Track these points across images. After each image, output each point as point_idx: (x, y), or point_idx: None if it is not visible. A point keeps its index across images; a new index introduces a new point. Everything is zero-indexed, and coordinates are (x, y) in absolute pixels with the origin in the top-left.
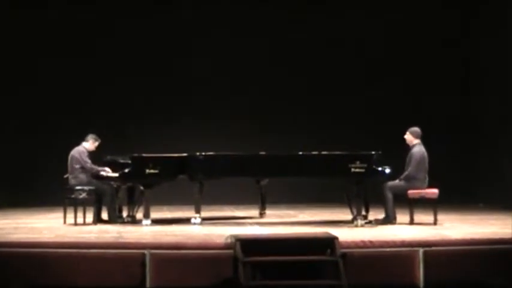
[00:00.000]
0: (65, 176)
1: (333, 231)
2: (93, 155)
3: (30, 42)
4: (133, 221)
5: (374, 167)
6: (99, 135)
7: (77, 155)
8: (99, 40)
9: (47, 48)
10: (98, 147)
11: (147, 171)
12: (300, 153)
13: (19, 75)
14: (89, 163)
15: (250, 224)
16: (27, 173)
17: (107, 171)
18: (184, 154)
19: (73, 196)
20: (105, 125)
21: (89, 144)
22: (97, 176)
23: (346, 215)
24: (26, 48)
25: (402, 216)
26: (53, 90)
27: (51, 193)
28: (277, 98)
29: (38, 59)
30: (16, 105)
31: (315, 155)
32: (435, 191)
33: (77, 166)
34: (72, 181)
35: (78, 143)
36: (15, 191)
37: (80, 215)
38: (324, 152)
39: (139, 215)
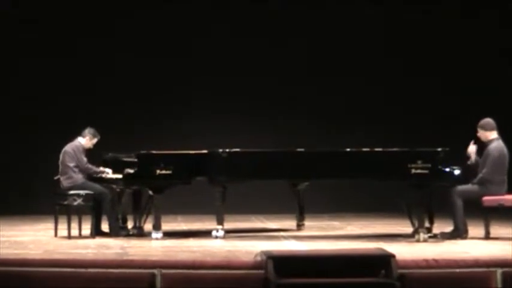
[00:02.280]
0: (56, 178)
1: (389, 247)
2: (90, 152)
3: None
4: (141, 234)
5: (440, 167)
6: (98, 129)
7: (70, 151)
8: (99, 26)
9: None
10: (96, 145)
11: (158, 171)
12: (348, 149)
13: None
14: (84, 161)
15: (285, 238)
16: (9, 173)
17: (107, 173)
18: (204, 151)
19: (66, 202)
20: (105, 117)
21: (86, 140)
22: (95, 178)
23: (405, 227)
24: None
25: (475, 229)
26: (42, 80)
27: (38, 198)
28: (311, 87)
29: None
30: None
31: (366, 152)
32: None
33: (71, 164)
34: (64, 183)
35: (71, 139)
36: None
37: (74, 225)
38: (377, 149)
39: (147, 226)
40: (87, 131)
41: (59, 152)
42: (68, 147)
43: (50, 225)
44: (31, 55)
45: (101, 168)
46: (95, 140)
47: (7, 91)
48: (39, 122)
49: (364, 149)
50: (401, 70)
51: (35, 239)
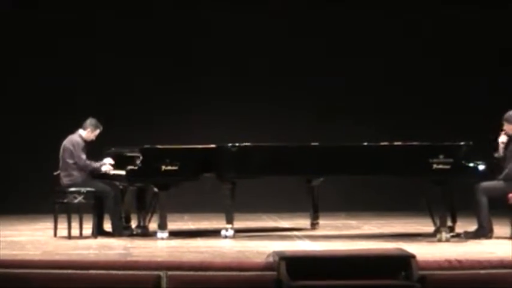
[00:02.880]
0: (56, 173)
1: (409, 247)
2: (91, 146)
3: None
4: (145, 233)
5: (463, 162)
6: (100, 121)
7: (70, 147)
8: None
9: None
10: (98, 137)
11: (163, 167)
12: (365, 143)
13: None
14: (83, 158)
15: (299, 237)
16: (4, 170)
17: (109, 169)
18: (212, 145)
19: (66, 200)
20: (106, 109)
21: (87, 132)
22: (97, 174)
23: (426, 226)
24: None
25: (501, 228)
26: (40, 71)
27: (37, 196)
28: (326, 78)
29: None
30: None
31: (384, 146)
32: None
33: (70, 161)
34: (64, 180)
35: (72, 131)
36: None
37: (75, 225)
38: (397, 143)
39: (152, 225)
40: (89, 122)
41: (59, 146)
42: (68, 142)
43: (49, 224)
44: (30, 55)
45: (101, 162)
46: (97, 132)
47: (5, 86)
48: (36, 115)
49: (383, 143)
50: (420, 60)
51: (33, 239)
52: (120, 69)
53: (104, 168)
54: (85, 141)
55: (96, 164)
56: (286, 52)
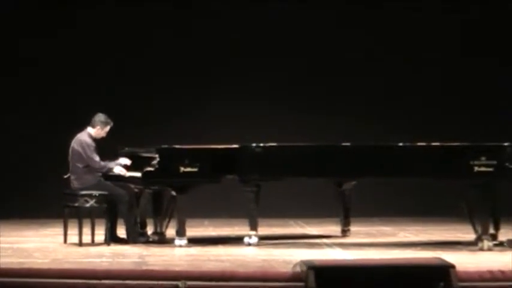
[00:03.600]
0: (66, 176)
1: (448, 256)
2: (102, 143)
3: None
4: (162, 240)
5: (507, 164)
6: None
7: (79, 149)
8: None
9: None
10: (109, 139)
11: (182, 169)
12: (400, 144)
13: None
14: (96, 161)
15: (329, 245)
16: (11, 172)
17: (122, 171)
18: (234, 145)
19: (77, 204)
20: (119, 106)
21: (97, 130)
22: (111, 175)
23: (467, 234)
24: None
25: None
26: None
27: (45, 199)
28: (359, 78)
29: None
30: None
31: (423, 146)
32: None
33: (80, 165)
34: (74, 183)
35: (81, 128)
36: None
37: (86, 231)
38: (435, 143)
39: (170, 231)
40: (97, 118)
41: (68, 146)
42: (76, 144)
43: (59, 230)
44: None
45: (116, 161)
46: (107, 128)
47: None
48: (44, 116)
49: (420, 144)
50: (459, 60)
51: (41, 246)
52: (130, 66)
53: (116, 171)
54: (95, 139)
55: (111, 165)
56: (312, 51)
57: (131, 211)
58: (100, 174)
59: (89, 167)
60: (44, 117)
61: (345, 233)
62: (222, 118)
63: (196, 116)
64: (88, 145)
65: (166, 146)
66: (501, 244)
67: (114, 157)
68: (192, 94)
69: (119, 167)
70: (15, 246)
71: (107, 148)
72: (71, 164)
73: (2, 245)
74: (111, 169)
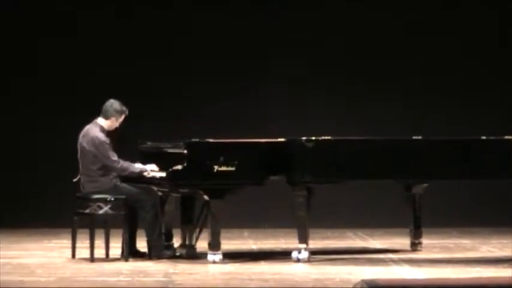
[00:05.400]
0: (75, 180)
1: None
2: (117, 135)
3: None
4: (192, 255)
5: None
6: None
7: (92, 149)
8: None
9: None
10: (129, 133)
11: (216, 168)
12: (483, 137)
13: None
14: (114, 160)
15: (395, 261)
16: (12, 176)
17: (156, 169)
18: (281, 139)
19: (88, 211)
20: (138, 95)
21: (111, 121)
22: (131, 178)
23: None
24: None
25: None
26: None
27: (51, 206)
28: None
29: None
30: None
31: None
32: None
33: (94, 167)
34: (86, 186)
35: (91, 118)
36: None
37: (99, 243)
38: None
39: (201, 243)
40: (112, 108)
41: (74, 143)
42: (87, 142)
43: (66, 242)
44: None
45: (141, 166)
46: (122, 117)
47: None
48: (44, 116)
49: (508, 137)
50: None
51: (46, 262)
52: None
53: (148, 168)
54: (107, 132)
55: (134, 169)
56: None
57: (155, 219)
58: (115, 174)
59: (106, 168)
60: (44, 117)
61: (415, 246)
62: (264, 109)
63: (234, 107)
64: (101, 142)
65: (197, 139)
66: None
67: (133, 155)
68: (232, 80)
69: (152, 165)
70: (14, 261)
71: (126, 144)
72: (81, 166)
73: (1, 260)
74: (133, 173)
